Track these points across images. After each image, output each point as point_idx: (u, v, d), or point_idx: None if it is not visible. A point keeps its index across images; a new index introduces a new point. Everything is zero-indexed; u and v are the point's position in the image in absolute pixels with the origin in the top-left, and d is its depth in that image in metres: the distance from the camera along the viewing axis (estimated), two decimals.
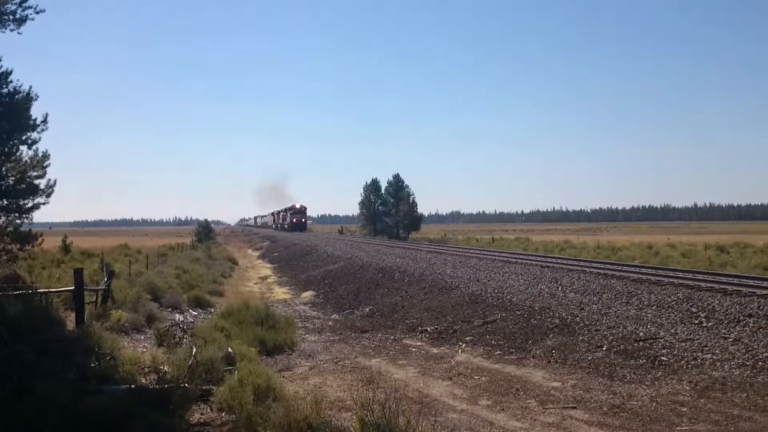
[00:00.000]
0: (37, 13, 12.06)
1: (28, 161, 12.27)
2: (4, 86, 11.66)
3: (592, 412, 8.35)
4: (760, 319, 11.69)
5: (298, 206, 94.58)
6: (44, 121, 12.30)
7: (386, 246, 41.48)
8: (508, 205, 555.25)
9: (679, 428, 7.57)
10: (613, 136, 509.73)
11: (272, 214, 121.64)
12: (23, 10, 11.89)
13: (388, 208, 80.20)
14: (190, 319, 16.23)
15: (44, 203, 12.80)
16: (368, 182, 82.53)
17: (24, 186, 12.22)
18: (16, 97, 11.74)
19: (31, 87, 12.00)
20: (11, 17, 11.79)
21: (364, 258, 31.49)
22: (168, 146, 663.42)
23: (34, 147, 12.27)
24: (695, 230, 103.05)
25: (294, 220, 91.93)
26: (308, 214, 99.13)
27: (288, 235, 77.41)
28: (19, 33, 12.05)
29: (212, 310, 19.13)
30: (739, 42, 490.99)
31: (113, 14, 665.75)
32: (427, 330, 15.16)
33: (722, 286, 14.94)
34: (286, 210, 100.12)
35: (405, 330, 15.69)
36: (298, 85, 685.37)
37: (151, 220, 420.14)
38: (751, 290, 14.14)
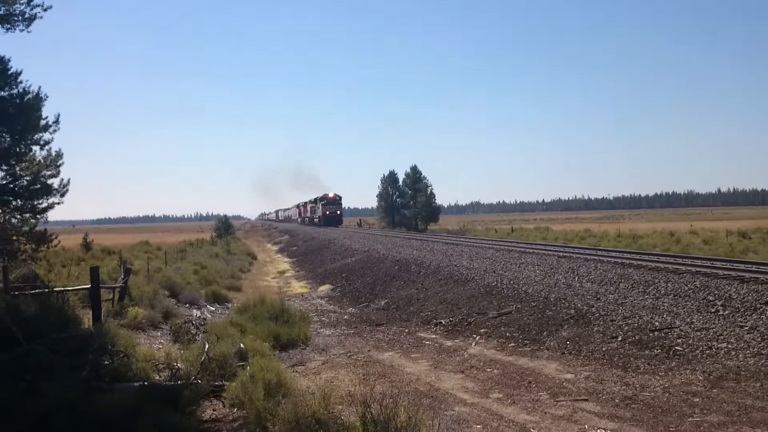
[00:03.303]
0: (45, 10, 12.19)
1: (42, 161, 12.39)
2: (14, 87, 11.79)
3: (604, 404, 8.28)
4: None
5: (331, 195, 77.02)
6: (56, 121, 12.45)
7: (403, 238, 41.40)
8: (529, 195, 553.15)
9: (690, 419, 7.46)
10: (635, 122, 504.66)
11: (297, 206, 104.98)
12: (31, 9, 12.01)
13: (406, 200, 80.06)
14: (208, 315, 16.39)
15: (58, 203, 12.93)
16: (386, 174, 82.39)
17: (38, 186, 12.34)
18: (27, 97, 11.87)
19: (40, 87, 12.15)
20: (20, 17, 11.91)
21: (381, 250, 31.50)
22: (189, 142, 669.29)
23: (47, 147, 12.41)
24: (719, 216, 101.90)
25: (327, 212, 74.94)
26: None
27: (308, 229, 71.38)
28: (29, 32, 12.19)
29: (230, 305, 19.26)
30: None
31: (136, 13, 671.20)
32: (441, 322, 15.12)
33: (740, 274, 14.71)
34: (315, 201, 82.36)
35: (420, 323, 15.66)
36: (319, 78, 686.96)
37: (172, 216, 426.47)
38: None
